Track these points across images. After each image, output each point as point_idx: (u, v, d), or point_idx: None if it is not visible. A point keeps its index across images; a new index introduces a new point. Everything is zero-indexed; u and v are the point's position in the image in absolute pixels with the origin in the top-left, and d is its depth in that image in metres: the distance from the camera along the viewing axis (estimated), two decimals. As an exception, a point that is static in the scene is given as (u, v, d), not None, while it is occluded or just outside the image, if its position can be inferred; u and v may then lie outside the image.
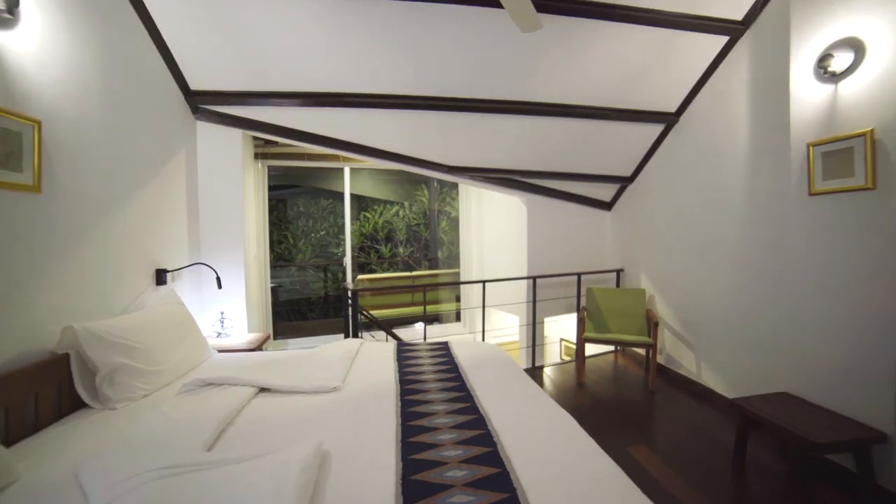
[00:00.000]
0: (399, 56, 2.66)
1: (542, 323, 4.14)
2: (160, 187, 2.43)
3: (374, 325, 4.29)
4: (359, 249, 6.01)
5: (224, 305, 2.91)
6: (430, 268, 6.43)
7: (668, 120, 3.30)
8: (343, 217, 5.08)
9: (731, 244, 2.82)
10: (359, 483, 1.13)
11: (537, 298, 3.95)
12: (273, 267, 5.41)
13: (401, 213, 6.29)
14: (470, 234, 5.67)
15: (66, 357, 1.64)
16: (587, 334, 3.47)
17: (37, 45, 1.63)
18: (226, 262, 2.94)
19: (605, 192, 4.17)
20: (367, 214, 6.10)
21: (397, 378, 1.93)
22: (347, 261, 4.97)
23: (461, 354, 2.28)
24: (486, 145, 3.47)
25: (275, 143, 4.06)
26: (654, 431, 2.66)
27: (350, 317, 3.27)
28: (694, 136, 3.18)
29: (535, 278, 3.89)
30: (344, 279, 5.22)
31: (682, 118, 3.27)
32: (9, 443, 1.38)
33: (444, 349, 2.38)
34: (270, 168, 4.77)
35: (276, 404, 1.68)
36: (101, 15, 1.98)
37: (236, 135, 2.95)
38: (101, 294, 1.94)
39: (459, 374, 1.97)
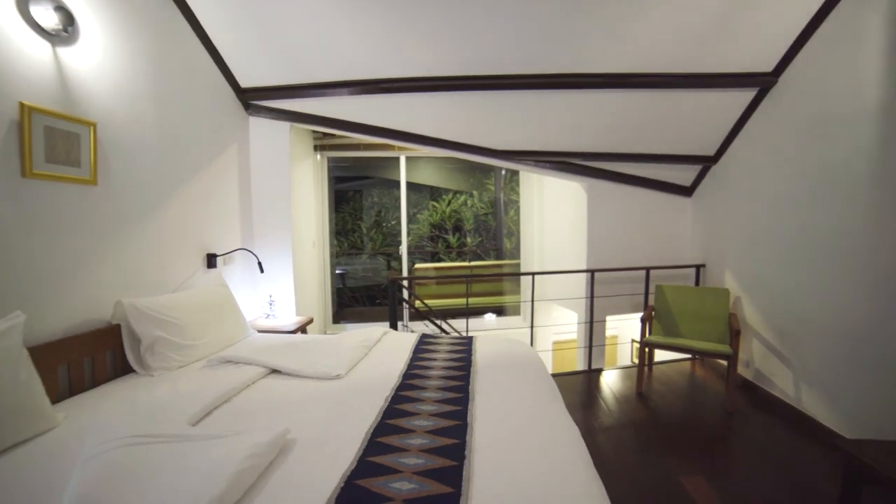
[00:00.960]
0: (433, 34, 2.53)
1: (604, 321, 3.72)
2: (212, 179, 2.68)
3: (430, 314, 4.30)
4: (428, 238, 6.10)
5: (273, 289, 3.14)
6: (496, 258, 6.27)
7: (763, 82, 2.65)
8: (414, 206, 5.16)
9: (851, 236, 2.18)
10: (304, 478, 1.09)
11: (597, 294, 3.56)
12: (346, 254, 5.78)
13: (469, 202, 6.21)
14: (532, 224, 5.36)
15: (119, 327, 1.89)
16: (652, 338, 3.04)
17: (96, 59, 1.87)
18: (274, 248, 3.16)
19: (683, 174, 3.56)
20: (436, 204, 6.13)
21: (403, 372, 1.87)
22: (403, 249, 5.03)
23: (482, 352, 2.13)
24: (536, 126, 3.19)
25: (332, 135, 4.25)
26: (723, 463, 2.18)
27: (392, 306, 3.30)
28: (798, 101, 2.51)
29: (592, 272, 3.51)
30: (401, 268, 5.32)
31: (782, 79, 2.60)
32: (70, 394, 1.66)
33: (465, 345, 2.25)
34: (340, 160, 5.06)
35: (279, 386, 1.74)
36: (155, 27, 2.21)
37: (284, 128, 3.12)
38: (155, 274, 2.21)
39: (468, 374, 1.84)
